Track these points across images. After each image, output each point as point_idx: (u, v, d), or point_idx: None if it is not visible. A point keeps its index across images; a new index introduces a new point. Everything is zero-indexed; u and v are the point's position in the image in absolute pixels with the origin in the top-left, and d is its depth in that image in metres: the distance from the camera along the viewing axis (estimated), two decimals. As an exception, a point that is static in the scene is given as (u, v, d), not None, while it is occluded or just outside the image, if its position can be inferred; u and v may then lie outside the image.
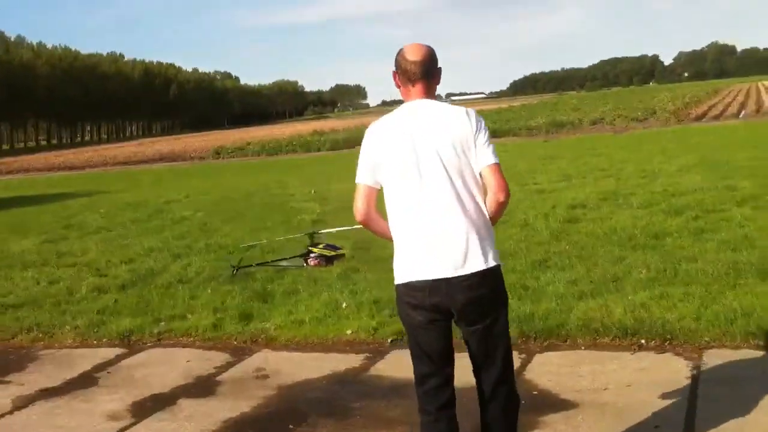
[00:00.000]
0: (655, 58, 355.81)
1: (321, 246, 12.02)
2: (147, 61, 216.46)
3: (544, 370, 6.74)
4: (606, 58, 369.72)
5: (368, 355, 7.66)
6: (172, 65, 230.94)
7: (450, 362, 4.27)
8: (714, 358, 6.56)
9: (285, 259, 11.89)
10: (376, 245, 12.48)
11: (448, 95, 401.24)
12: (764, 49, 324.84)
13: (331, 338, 8.23)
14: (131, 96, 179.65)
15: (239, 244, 14.13)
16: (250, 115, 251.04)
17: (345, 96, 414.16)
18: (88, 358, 8.46)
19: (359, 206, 4.30)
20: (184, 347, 8.60)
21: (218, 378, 7.46)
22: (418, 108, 4.16)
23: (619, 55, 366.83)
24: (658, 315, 7.51)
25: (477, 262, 4.00)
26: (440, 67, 4.28)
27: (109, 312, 10.03)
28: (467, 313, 4.09)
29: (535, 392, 6.27)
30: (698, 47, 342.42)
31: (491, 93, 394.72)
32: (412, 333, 4.25)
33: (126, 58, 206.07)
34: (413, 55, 4.17)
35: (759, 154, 20.85)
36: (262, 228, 16.09)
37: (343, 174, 28.61)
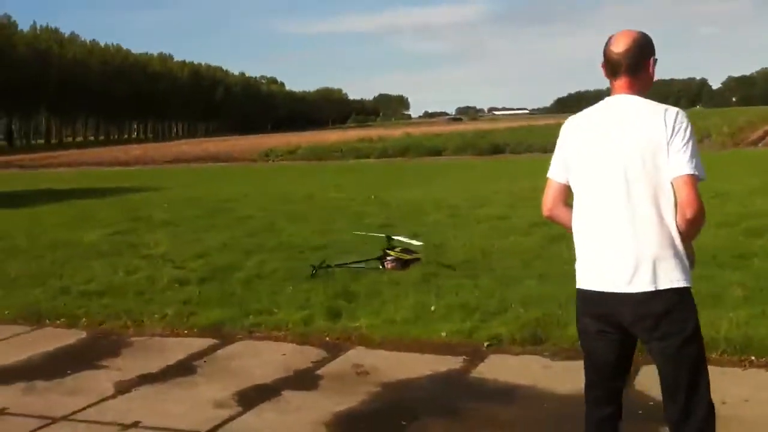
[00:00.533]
0: (704, 81, 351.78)
1: (398, 249, 12.03)
2: (195, 63, 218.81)
3: (653, 383, 6.62)
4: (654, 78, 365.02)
5: (466, 357, 7.63)
6: (219, 68, 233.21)
7: (617, 377, 4.11)
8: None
9: (363, 261, 11.90)
10: (447, 252, 12.60)
11: (491, 110, 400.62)
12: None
13: (425, 339, 8.21)
14: (179, 96, 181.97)
15: (309, 243, 14.23)
16: (294, 120, 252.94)
17: (387, 105, 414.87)
18: (181, 347, 8.54)
19: (545, 201, 4.21)
20: (276, 341, 8.65)
21: (318, 372, 7.49)
22: (613, 104, 3.92)
23: (667, 77, 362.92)
24: (765, 333, 7.37)
25: (645, 280, 3.73)
26: (654, 59, 3.95)
27: (194, 303, 10.12)
28: (638, 331, 3.89)
29: (651, 403, 6.18)
30: (747, 72, 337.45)
31: (534, 110, 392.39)
32: (583, 339, 4.14)
33: (175, 59, 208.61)
34: (617, 45, 3.86)
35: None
36: (328, 230, 16.14)
37: (399, 181, 28.76)
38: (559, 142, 4.13)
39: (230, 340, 8.73)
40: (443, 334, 8.24)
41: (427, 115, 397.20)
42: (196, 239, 15.60)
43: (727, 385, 6.43)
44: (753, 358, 6.97)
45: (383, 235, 12.38)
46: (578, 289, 4.02)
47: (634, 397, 6.30)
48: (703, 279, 9.75)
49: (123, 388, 7.27)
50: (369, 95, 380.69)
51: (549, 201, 4.20)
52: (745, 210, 15.58)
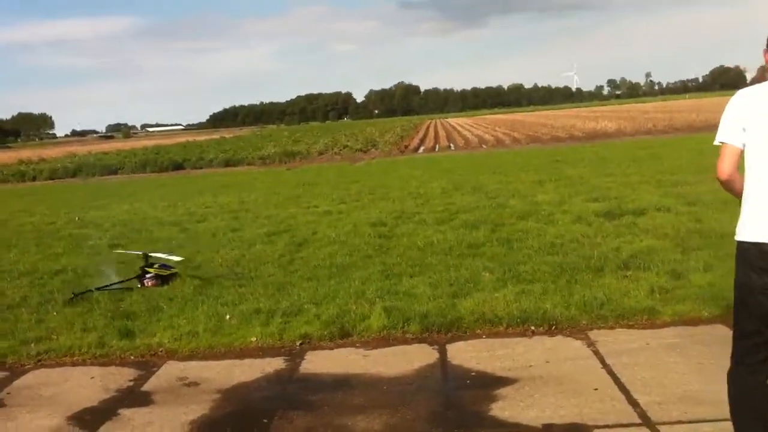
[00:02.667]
0: (349, 95, 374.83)
1: (156, 266, 11.90)
2: None
3: (465, 357, 7.58)
4: (303, 93, 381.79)
5: (286, 357, 8.00)
6: None
7: None
8: (599, 336, 7.85)
9: (122, 281, 11.60)
10: (203, 265, 12.71)
11: (144, 126, 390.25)
12: (444, 89, 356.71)
13: (237, 346, 8.43)
14: None
15: (42, 270, 13.46)
16: None
17: (30, 125, 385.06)
18: (-34, 385, 7.84)
19: (723, 166, 4.39)
20: (73, 365, 8.29)
21: (143, 389, 7.39)
22: None
23: (315, 91, 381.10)
24: (533, 305, 8.71)
25: None
26: None
27: (-46, 340, 9.23)
28: None
29: (473, 373, 7.10)
30: (387, 86, 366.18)
31: (189, 125, 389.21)
32: (747, 293, 4.31)
33: None
34: None
35: (501, 178, 23.64)
36: (53, 254, 15.26)
37: (91, 201, 27.48)
38: (732, 110, 4.39)
39: (20, 371, 8.19)
40: (253, 339, 8.52)
41: (76, 134, 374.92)
42: None
43: (523, 352, 7.60)
44: (533, 327, 8.21)
45: (140, 253, 12.11)
46: (753, 242, 4.22)
47: (453, 372, 7.20)
48: (450, 268, 11.12)
49: (-73, 433, 6.61)
50: (7, 114, 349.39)
51: (728, 166, 4.39)
52: (451, 207, 17.48)
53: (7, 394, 7.50)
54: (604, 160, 28.77)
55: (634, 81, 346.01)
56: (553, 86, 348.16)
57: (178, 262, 12.15)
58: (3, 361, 8.47)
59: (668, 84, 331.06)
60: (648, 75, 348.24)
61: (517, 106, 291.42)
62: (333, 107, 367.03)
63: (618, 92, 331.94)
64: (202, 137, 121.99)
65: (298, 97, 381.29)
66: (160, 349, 8.49)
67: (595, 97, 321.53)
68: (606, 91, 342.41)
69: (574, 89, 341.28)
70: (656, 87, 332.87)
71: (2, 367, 8.32)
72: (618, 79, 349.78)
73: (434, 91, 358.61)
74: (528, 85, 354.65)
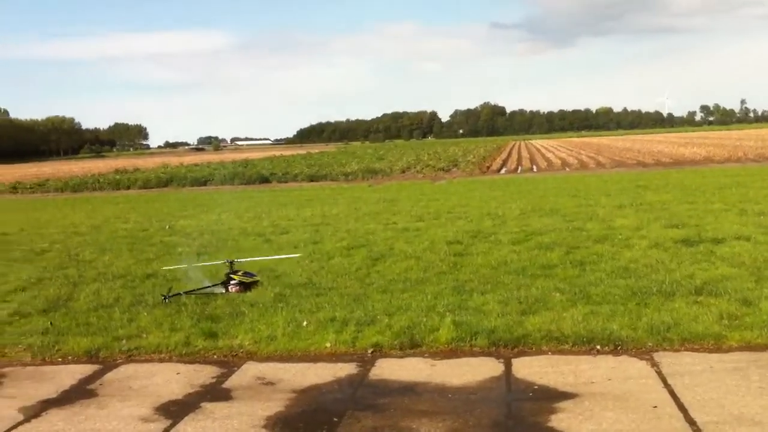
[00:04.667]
0: (434, 114, 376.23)
1: (240, 273, 12.50)
2: None
3: (529, 371, 7.85)
4: (388, 111, 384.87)
5: (358, 363, 8.42)
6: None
7: None
8: (663, 357, 8.01)
9: (209, 286, 12.24)
10: (283, 275, 13.27)
11: (233, 140, 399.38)
12: (530, 111, 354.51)
13: (313, 351, 8.90)
14: None
15: (133, 273, 14.25)
16: (20, 151, 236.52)
17: (125, 135, 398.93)
18: (64, 374, 8.55)
19: None
20: (160, 362, 8.89)
21: (224, 386, 7.91)
22: None
23: (401, 110, 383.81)
24: (600, 326, 8.91)
25: None
26: None
27: (54, 333, 10.02)
28: None
29: (536, 387, 7.37)
30: (472, 106, 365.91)
31: (277, 139, 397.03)
32: None
33: None
34: None
35: (580, 201, 23.65)
36: (146, 260, 16.09)
37: (181, 210, 28.64)
38: None
39: (112, 365, 8.83)
40: (328, 345, 8.97)
41: (168, 145, 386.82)
42: (1, 274, 14.91)
43: (586, 369, 7.82)
44: (598, 347, 8.41)
45: (225, 261, 12.74)
46: None
47: (511, 385, 7.47)
48: (521, 287, 11.36)
49: (32, 413, 7.28)
50: (104, 124, 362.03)
51: None
52: (527, 229, 17.67)
53: (100, 385, 8.14)
54: (688, 187, 28.39)
55: (728, 108, 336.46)
56: (644, 111, 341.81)
57: (285, 259, 12.86)
58: (97, 355, 9.15)
59: (764, 112, 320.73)
60: (743, 102, 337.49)
61: (605, 129, 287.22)
62: (418, 126, 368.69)
63: (711, 119, 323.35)
64: (288, 152, 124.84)
65: (384, 115, 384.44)
66: (241, 350, 9.03)
67: (686, 122, 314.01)
68: (698, 117, 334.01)
69: (665, 114, 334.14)
70: (751, 114, 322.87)
71: (96, 361, 9.00)
72: (711, 105, 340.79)
73: (520, 113, 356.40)
74: (617, 109, 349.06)
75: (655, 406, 6.64)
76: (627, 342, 8.45)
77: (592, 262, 13.15)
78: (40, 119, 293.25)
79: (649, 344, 8.40)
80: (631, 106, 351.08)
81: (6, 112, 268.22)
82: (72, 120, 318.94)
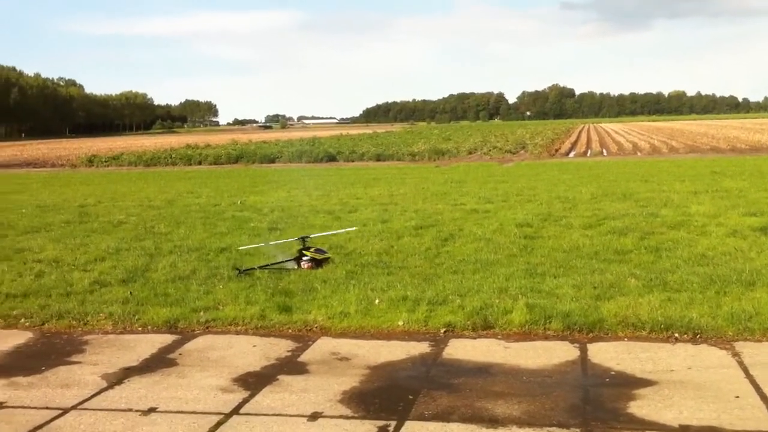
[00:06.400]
0: (501, 95, 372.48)
1: (312, 250, 12.64)
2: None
3: (605, 357, 7.76)
4: (454, 92, 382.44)
5: (431, 342, 8.45)
6: (13, 69, 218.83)
7: None
8: (744, 348, 7.83)
9: (282, 262, 12.41)
10: (354, 253, 13.37)
11: (300, 118, 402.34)
12: (599, 93, 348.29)
13: (386, 328, 8.96)
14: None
15: (208, 247, 14.52)
16: (94, 125, 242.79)
17: (195, 112, 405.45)
18: (144, 343, 8.79)
19: None
20: (236, 334, 9.07)
21: (299, 360, 8.03)
22: None
23: (468, 90, 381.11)
24: (679, 313, 8.75)
25: None
26: None
27: (134, 302, 10.28)
28: None
29: (613, 372, 7.29)
30: (540, 88, 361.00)
31: (343, 118, 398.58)
32: None
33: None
34: None
35: (653, 187, 23.21)
36: (218, 233, 16.39)
37: (252, 187, 29.05)
38: None
39: (190, 335, 9.05)
40: (400, 323, 9.02)
41: (237, 123, 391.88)
42: (82, 244, 15.36)
43: (664, 357, 7.70)
44: (677, 334, 8.27)
45: (298, 238, 12.88)
46: None
47: (591, 370, 7.40)
48: (594, 272, 11.22)
49: (115, 380, 7.50)
50: (176, 101, 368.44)
51: None
52: (599, 213, 17.43)
53: (179, 354, 8.34)
54: (766, 173, 27.57)
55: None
56: (718, 95, 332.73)
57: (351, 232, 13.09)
58: (175, 325, 9.38)
59: None
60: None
61: (678, 114, 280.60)
62: (484, 107, 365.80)
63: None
64: (354, 131, 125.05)
65: (450, 95, 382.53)
66: (315, 326, 9.14)
67: (763, 108, 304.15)
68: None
69: (740, 99, 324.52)
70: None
71: (175, 331, 9.23)
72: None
73: (589, 95, 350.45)
74: (691, 93, 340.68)
75: (738, 396, 6.51)
76: (707, 330, 8.29)
77: (668, 248, 12.91)
78: (114, 94, 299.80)
79: (730, 333, 8.23)
80: (705, 90, 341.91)
81: (81, 87, 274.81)
82: (145, 95, 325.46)
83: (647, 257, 12.24)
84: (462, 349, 8.16)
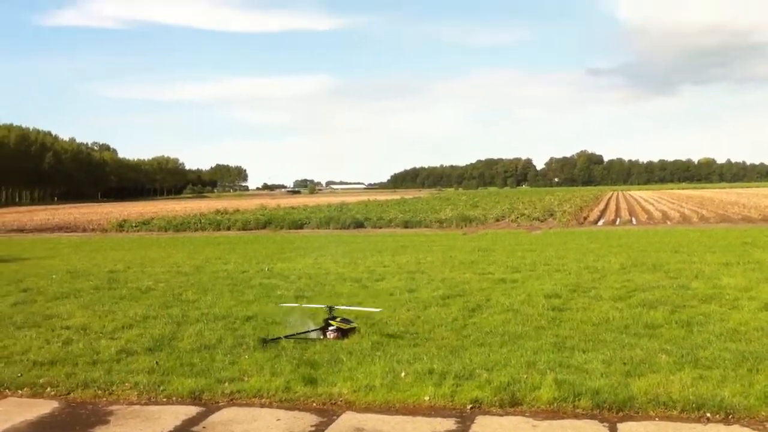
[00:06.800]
0: (529, 161, 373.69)
1: (338, 320, 12.61)
2: (24, 127, 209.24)
3: (635, 434, 7.60)
4: (482, 158, 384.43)
5: (457, 419, 8.32)
6: (48, 133, 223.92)
7: None
8: (779, 427, 7.62)
9: (308, 331, 12.39)
10: (380, 323, 13.31)
11: (328, 183, 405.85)
12: (628, 160, 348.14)
13: (411, 403, 8.85)
14: (3, 162, 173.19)
15: (234, 315, 14.53)
16: (125, 189, 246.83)
17: (226, 176, 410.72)
18: (169, 414, 8.74)
19: None
20: (261, 407, 9.00)
21: (324, 435, 7.93)
22: None
23: (495, 156, 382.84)
24: (711, 392, 8.56)
25: None
26: None
27: (160, 372, 10.27)
28: None
29: (643, 452, 7.12)
30: (568, 154, 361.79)
31: (371, 184, 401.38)
32: None
33: (1, 123, 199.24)
34: None
35: (684, 257, 22.96)
36: (245, 301, 16.41)
37: (279, 253, 29.15)
38: None
39: (214, 408, 8.99)
40: (426, 398, 8.91)
41: (266, 187, 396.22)
42: (110, 311, 15.44)
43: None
44: (708, 414, 8.08)
45: (325, 306, 12.87)
46: None
47: (628, 448, 7.21)
48: (625, 347, 11.05)
49: (140, 455, 7.44)
50: (206, 165, 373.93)
51: None
52: (628, 285, 17.25)
53: (203, 428, 8.29)
54: (799, 245, 27.20)
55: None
56: (749, 162, 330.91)
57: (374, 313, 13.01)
58: (200, 396, 9.33)
59: None
60: None
61: (707, 181, 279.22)
62: (512, 173, 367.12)
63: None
64: (382, 196, 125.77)
65: (478, 161, 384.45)
66: (340, 399, 9.06)
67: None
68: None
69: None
70: None
71: (199, 402, 9.18)
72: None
73: (618, 162, 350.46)
74: (720, 160, 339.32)
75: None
76: (739, 410, 8.09)
77: (699, 322, 12.72)
78: (146, 159, 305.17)
79: (763, 414, 8.03)
80: (735, 158, 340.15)
81: (115, 152, 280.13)
82: (176, 160, 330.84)
83: (678, 332, 12.06)
84: (489, 427, 8.03)
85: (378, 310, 13.84)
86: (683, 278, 18.20)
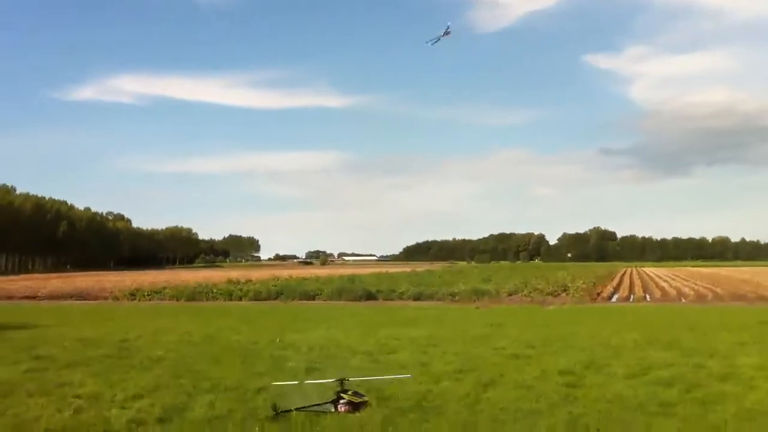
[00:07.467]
0: (542, 237, 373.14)
1: (350, 393, 12.53)
2: (40, 196, 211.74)
3: None
4: (495, 232, 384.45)
5: (469, 496, 8.20)
6: (64, 202, 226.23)
7: None
8: None
9: (319, 404, 12.30)
10: (390, 397, 13.22)
11: (340, 255, 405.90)
12: (641, 237, 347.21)
13: (424, 480, 8.74)
14: (19, 229, 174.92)
15: (245, 386, 14.46)
16: (138, 258, 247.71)
17: (238, 246, 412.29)
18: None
19: None
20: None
21: None
22: None
23: (508, 231, 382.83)
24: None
25: None
26: None
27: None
28: None
29: None
30: (581, 231, 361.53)
31: (383, 256, 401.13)
32: None
33: (18, 191, 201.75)
34: None
35: (699, 336, 22.77)
36: (256, 373, 16.33)
37: (290, 324, 29.08)
38: None
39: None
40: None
41: (278, 258, 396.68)
42: (121, 380, 15.40)
43: None
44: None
45: (336, 380, 12.81)
46: None
47: None
48: (642, 426, 10.92)
49: None
50: (219, 235, 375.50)
51: None
52: (643, 363, 17.08)
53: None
54: (815, 325, 26.93)
55: None
56: (763, 241, 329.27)
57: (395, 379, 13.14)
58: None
59: None
60: None
61: (721, 259, 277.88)
62: (525, 247, 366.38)
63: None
64: (394, 269, 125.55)
65: (491, 235, 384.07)
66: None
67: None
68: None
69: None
70: None
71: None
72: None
73: (631, 239, 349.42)
74: (735, 239, 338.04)
75: None
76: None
77: (715, 402, 12.56)
78: (160, 229, 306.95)
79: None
80: (750, 237, 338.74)
81: (129, 222, 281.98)
82: (190, 230, 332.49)
83: (694, 411, 11.92)
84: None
85: (407, 376, 13.84)
86: (698, 356, 18.02)
